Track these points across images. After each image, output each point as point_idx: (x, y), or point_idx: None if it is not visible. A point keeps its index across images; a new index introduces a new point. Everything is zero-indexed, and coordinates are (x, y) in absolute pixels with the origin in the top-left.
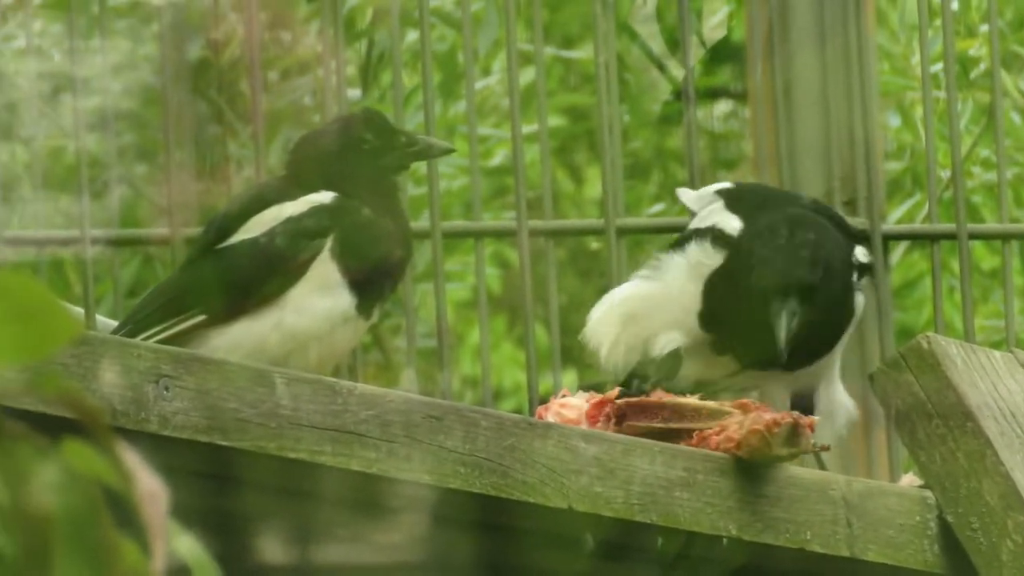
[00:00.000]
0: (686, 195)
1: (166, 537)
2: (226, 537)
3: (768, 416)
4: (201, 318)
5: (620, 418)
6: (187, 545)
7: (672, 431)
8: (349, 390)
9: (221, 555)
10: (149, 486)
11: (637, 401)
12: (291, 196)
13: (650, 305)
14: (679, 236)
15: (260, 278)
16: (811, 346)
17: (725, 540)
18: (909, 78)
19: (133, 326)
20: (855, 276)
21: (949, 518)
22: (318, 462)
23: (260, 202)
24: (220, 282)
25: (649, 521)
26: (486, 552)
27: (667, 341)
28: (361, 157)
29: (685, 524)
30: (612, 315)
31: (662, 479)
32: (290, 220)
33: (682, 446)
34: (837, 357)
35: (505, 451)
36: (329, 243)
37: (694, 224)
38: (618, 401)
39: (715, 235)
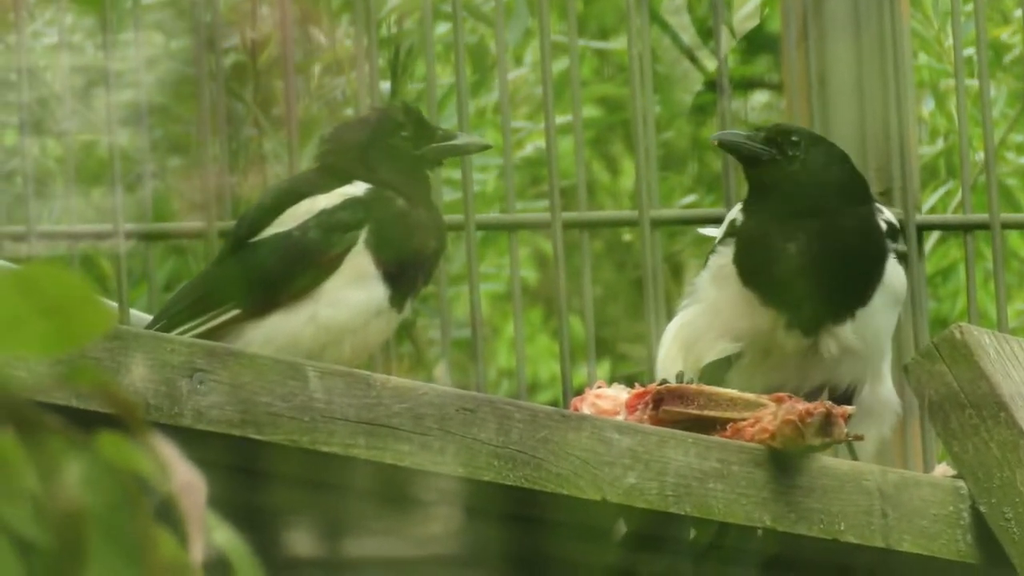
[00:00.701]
0: (711, 231)
1: (204, 529)
2: (258, 531)
3: (801, 406)
4: (235, 312)
5: (657, 403)
6: (225, 537)
7: (706, 419)
8: (383, 383)
9: (254, 549)
10: (186, 478)
11: (676, 388)
12: (324, 188)
13: (698, 327)
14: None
15: (294, 272)
16: (841, 292)
17: (760, 531)
18: (944, 63)
19: (167, 321)
20: (887, 241)
21: (982, 508)
22: (351, 455)
23: (293, 195)
24: (254, 276)
25: (683, 512)
26: (518, 544)
27: (721, 350)
28: (397, 148)
29: (719, 515)
30: (672, 350)
31: (696, 470)
32: (324, 213)
33: (716, 437)
34: (883, 344)
35: (539, 443)
36: (363, 235)
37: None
38: (658, 387)
39: (726, 232)
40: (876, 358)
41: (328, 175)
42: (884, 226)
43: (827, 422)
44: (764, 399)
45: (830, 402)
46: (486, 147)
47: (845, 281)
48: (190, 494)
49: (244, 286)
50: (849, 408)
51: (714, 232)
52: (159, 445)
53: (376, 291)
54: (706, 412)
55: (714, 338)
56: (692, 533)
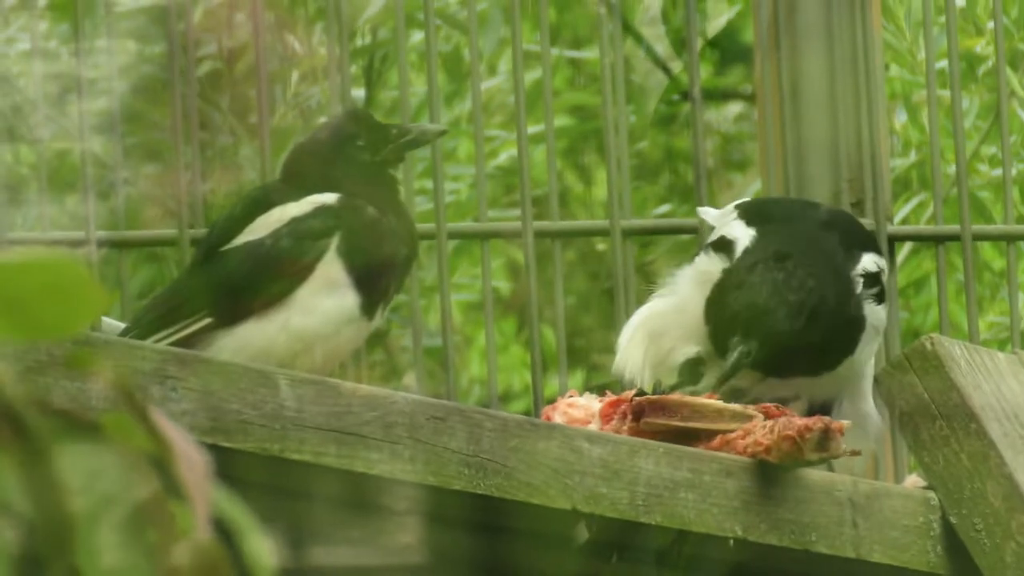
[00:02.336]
0: (709, 214)
1: (208, 503)
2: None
3: (800, 421)
4: (207, 321)
5: (638, 415)
6: (232, 509)
7: (690, 431)
8: (352, 391)
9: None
10: (188, 454)
11: (657, 399)
12: (294, 197)
13: (667, 321)
14: (695, 251)
15: (266, 280)
16: (822, 358)
17: (731, 541)
18: (916, 75)
19: (140, 330)
20: (860, 289)
21: (953, 519)
22: (321, 464)
23: (263, 203)
24: (226, 284)
25: (654, 522)
26: (478, 551)
27: (684, 353)
28: (356, 156)
29: (691, 525)
30: (636, 337)
31: (667, 480)
32: (294, 221)
33: (686, 447)
34: (864, 368)
35: (509, 452)
36: (334, 243)
37: (709, 238)
38: (637, 398)
39: (720, 244)
40: (855, 380)
41: (296, 186)
42: (863, 279)
43: (825, 437)
44: (751, 410)
45: (828, 417)
46: (442, 132)
47: (830, 358)
48: (193, 469)
49: (216, 294)
50: (846, 423)
51: (713, 214)
52: (160, 422)
53: (347, 299)
54: (691, 424)
55: (680, 336)
56: (656, 540)
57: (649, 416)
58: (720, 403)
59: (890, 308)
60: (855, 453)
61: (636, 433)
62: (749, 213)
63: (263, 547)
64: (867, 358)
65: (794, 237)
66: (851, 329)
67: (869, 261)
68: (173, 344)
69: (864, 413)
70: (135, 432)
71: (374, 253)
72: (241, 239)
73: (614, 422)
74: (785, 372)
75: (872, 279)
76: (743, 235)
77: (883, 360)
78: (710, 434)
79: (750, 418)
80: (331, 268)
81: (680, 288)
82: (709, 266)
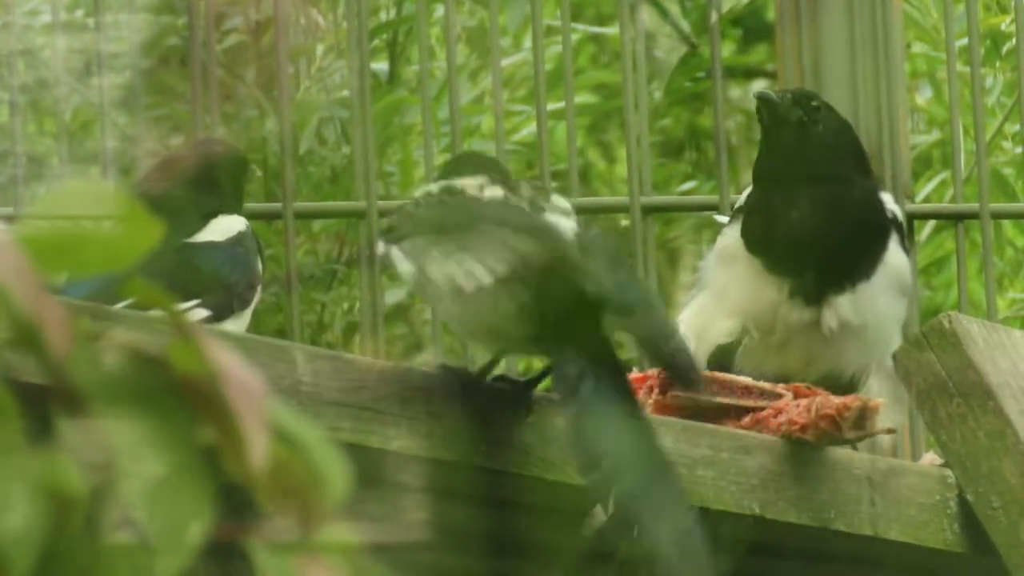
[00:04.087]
0: (722, 218)
1: (263, 426)
2: (236, 513)
3: (837, 400)
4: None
5: (665, 388)
6: (300, 427)
7: (719, 408)
8: (368, 366)
9: (232, 530)
10: (243, 377)
11: None
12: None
13: (705, 315)
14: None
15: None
16: (842, 259)
17: (751, 518)
18: (941, 51)
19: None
20: (889, 219)
21: (969, 497)
22: (337, 439)
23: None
24: (211, 277)
25: None
26: (491, 527)
27: (726, 333)
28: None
29: (709, 502)
30: (687, 340)
31: (686, 457)
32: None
33: (704, 424)
34: (888, 335)
35: (526, 428)
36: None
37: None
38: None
39: (734, 213)
40: (880, 345)
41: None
42: (887, 205)
43: (862, 415)
44: (780, 388)
45: (865, 395)
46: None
47: (847, 249)
48: (247, 393)
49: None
50: (881, 400)
51: (725, 219)
52: (213, 349)
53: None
54: (719, 399)
55: (722, 319)
56: None
57: (677, 390)
58: (749, 380)
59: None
60: (890, 431)
61: (661, 408)
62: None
63: (335, 462)
64: (889, 313)
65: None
66: (880, 226)
67: (891, 204)
68: None
69: (893, 387)
70: (197, 359)
71: None
72: (203, 237)
73: (639, 396)
74: (824, 278)
75: (894, 218)
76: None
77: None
78: (739, 411)
79: (779, 396)
80: None
81: (708, 277)
82: (727, 239)
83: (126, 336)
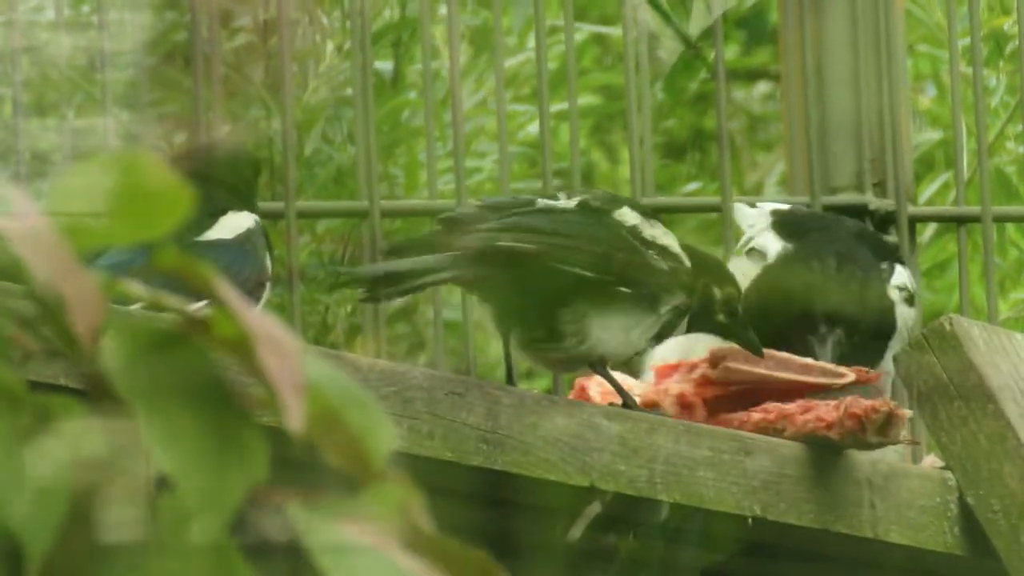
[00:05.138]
0: (743, 211)
1: (299, 388)
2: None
3: (867, 402)
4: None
5: (716, 361)
6: (344, 387)
7: (767, 386)
8: (370, 366)
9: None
10: (278, 340)
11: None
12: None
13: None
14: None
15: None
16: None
17: (750, 520)
18: (945, 50)
19: None
20: (896, 298)
21: (970, 500)
22: None
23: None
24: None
25: (672, 500)
26: (484, 524)
27: None
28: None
29: (710, 503)
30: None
31: (687, 458)
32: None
33: (704, 425)
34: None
35: (527, 428)
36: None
37: (740, 243)
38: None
39: (752, 251)
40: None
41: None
42: (899, 291)
43: (888, 422)
44: (843, 369)
45: (894, 402)
46: None
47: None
48: (283, 356)
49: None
50: (908, 412)
51: (748, 214)
52: (248, 312)
53: None
54: (776, 374)
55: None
56: (663, 515)
57: (731, 362)
58: (809, 360)
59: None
60: (914, 442)
61: (704, 384)
62: (783, 224)
63: (381, 423)
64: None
65: (834, 244)
66: (887, 325)
67: (903, 274)
68: None
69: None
70: (234, 323)
71: None
72: (213, 235)
73: (674, 377)
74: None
75: (906, 293)
76: (774, 247)
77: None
78: (791, 390)
79: (841, 375)
80: None
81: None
82: (740, 272)
83: (160, 309)
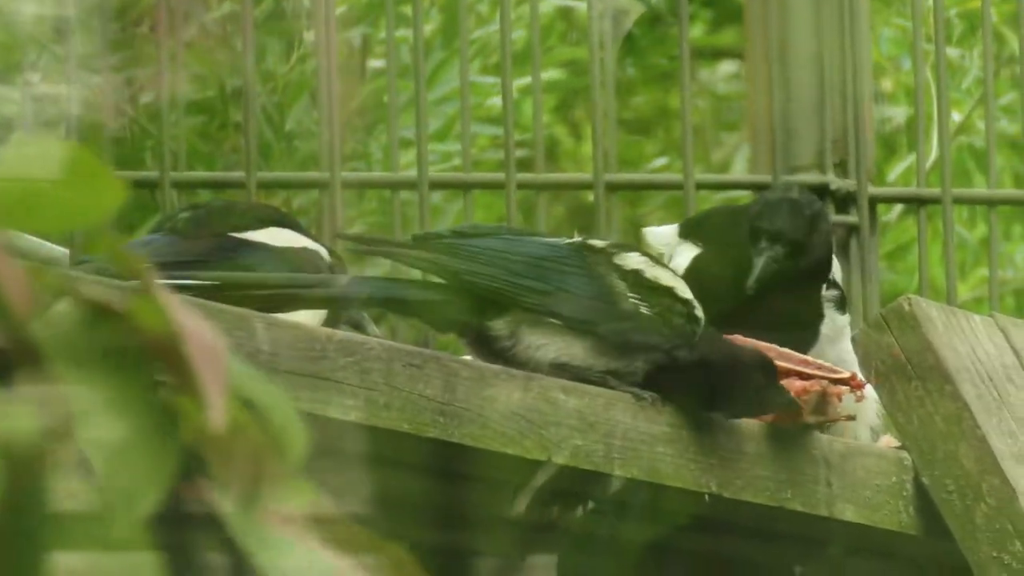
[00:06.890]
0: (653, 233)
1: (223, 386)
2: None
3: (799, 383)
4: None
5: None
6: (259, 388)
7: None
8: (328, 336)
9: (175, 500)
10: (204, 337)
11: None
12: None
13: None
14: None
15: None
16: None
17: (707, 496)
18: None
19: None
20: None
21: (925, 480)
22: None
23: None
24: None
25: (631, 476)
26: (431, 496)
27: None
28: None
29: (667, 479)
30: None
31: (644, 434)
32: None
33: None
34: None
35: (485, 401)
36: None
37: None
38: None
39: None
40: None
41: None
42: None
43: (822, 400)
44: (840, 368)
45: (826, 381)
46: None
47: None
48: (207, 353)
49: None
50: (843, 388)
51: (657, 234)
52: (175, 307)
53: None
54: (778, 364)
55: None
56: (613, 487)
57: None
58: (808, 356)
59: (871, 269)
60: (850, 418)
61: None
62: (693, 227)
63: (295, 423)
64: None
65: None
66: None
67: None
68: None
69: (847, 361)
70: (159, 316)
71: None
72: (256, 237)
73: None
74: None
75: (834, 285)
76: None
77: (862, 322)
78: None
79: (837, 372)
80: None
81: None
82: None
83: (89, 293)
